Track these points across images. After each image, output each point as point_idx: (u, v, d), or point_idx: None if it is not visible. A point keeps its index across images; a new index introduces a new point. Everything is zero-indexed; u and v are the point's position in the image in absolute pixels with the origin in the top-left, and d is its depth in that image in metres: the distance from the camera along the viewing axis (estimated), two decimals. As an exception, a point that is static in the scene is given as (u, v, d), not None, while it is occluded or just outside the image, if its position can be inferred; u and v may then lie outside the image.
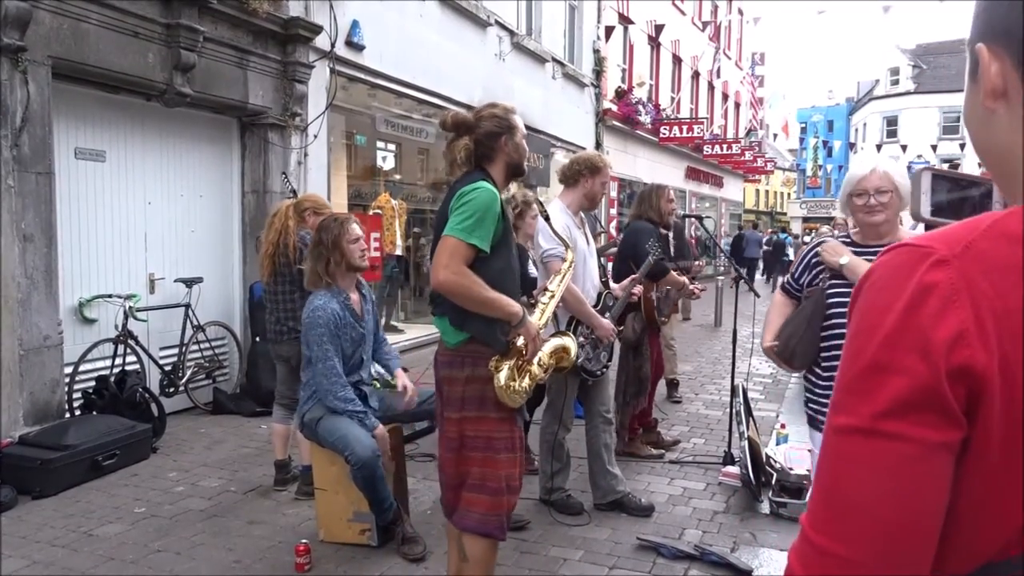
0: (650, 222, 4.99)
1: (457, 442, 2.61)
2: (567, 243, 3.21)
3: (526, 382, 2.63)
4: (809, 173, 49.23)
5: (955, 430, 0.64)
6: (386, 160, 10.66)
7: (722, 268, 20.60)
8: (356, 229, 3.70)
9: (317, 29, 6.88)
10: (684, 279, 5.05)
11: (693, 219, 6.12)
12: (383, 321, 9.05)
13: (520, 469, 2.67)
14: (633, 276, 4.41)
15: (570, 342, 2.95)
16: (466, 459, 2.61)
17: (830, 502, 0.68)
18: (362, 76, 8.00)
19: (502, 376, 2.55)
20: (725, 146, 22.59)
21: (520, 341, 2.60)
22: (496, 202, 2.52)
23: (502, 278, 2.56)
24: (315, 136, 7.16)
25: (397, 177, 10.88)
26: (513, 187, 11.81)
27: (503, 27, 10.97)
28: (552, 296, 2.93)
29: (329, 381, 3.50)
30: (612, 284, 4.37)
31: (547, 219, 3.26)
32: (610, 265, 5.50)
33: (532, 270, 4.30)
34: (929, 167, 0.89)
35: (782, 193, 50.79)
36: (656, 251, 4.45)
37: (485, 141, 2.65)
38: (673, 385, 6.89)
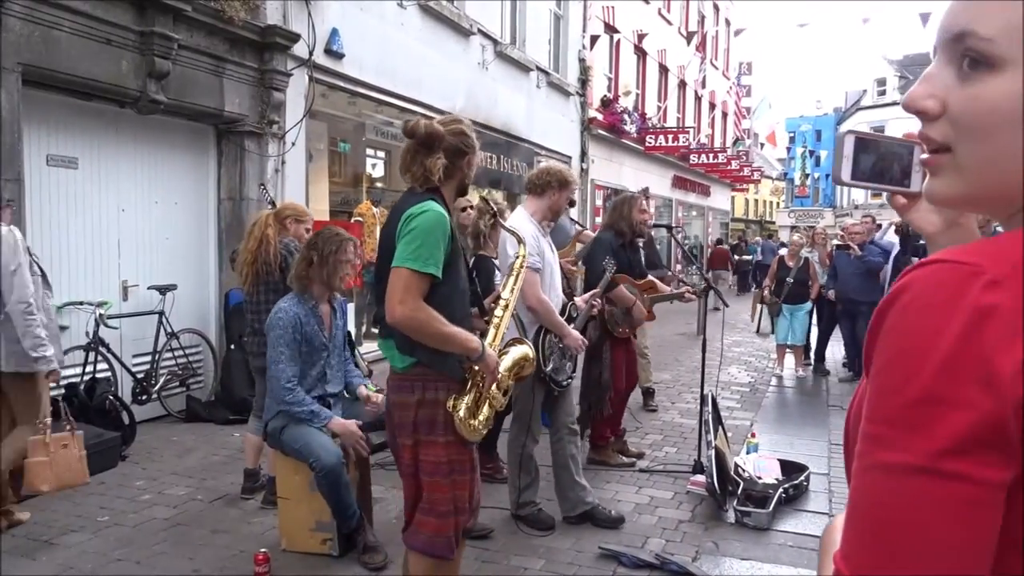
0: (620, 233, 5.02)
1: (412, 467, 2.56)
2: (519, 237, 3.10)
3: (485, 412, 2.59)
4: (797, 182, 49.51)
5: (1012, 468, 0.58)
6: (370, 167, 10.66)
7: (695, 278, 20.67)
8: (351, 252, 3.74)
9: (295, 37, 6.89)
10: (634, 298, 5.04)
11: (663, 228, 6.15)
12: (363, 328, 9.04)
13: (472, 488, 2.62)
14: (593, 291, 4.45)
15: (528, 349, 2.90)
16: (419, 483, 2.57)
17: (880, 546, 0.62)
18: (342, 84, 8.01)
19: (461, 412, 2.50)
20: (712, 155, 22.70)
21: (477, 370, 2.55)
22: (445, 223, 2.43)
23: (450, 302, 2.49)
24: (293, 144, 7.16)
25: (379, 185, 10.89)
26: (497, 194, 11.77)
27: (486, 36, 11.00)
28: (506, 305, 2.83)
29: (278, 384, 3.52)
30: (575, 297, 4.39)
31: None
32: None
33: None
34: (852, 130, 0.86)
35: (771, 202, 51.08)
36: (612, 267, 4.48)
37: (449, 159, 2.55)
38: (648, 394, 6.90)
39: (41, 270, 4.01)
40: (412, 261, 2.36)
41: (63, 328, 5.40)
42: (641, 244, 5.58)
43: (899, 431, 0.61)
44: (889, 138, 0.85)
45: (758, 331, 9.69)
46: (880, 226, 9.56)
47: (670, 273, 6.09)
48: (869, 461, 0.63)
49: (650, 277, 5.34)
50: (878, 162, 0.84)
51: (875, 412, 0.64)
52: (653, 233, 6.10)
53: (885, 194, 0.90)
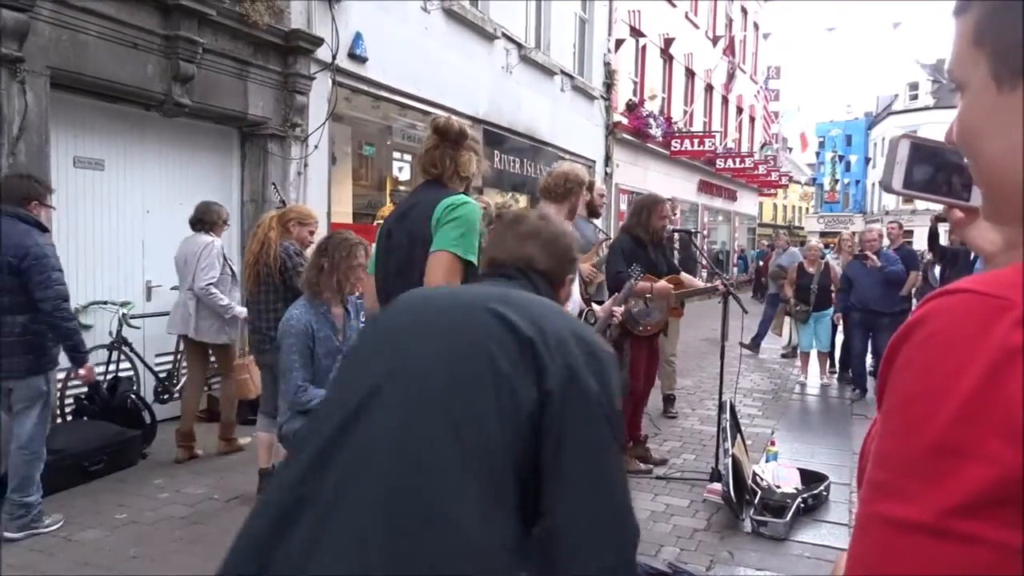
0: (637, 239, 4.95)
1: None
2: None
3: None
4: (827, 188, 48.93)
5: None
6: (396, 170, 10.71)
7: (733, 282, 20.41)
8: (362, 256, 3.75)
9: (318, 41, 6.95)
10: (648, 284, 4.97)
11: (684, 233, 6.11)
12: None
13: None
14: (615, 296, 4.42)
15: None
16: None
17: None
18: (365, 88, 8.07)
19: None
20: (739, 160, 22.49)
21: None
22: (480, 218, 2.51)
23: None
24: (315, 147, 7.21)
25: (403, 188, 10.93)
26: (522, 198, 11.73)
27: (510, 39, 11.01)
28: None
29: (292, 394, 3.53)
30: (594, 305, 4.35)
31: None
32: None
33: None
34: (908, 134, 0.78)
35: (800, 207, 50.50)
36: (637, 274, 4.45)
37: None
38: (669, 400, 6.85)
39: (232, 272, 5.35)
40: (456, 247, 2.38)
41: (87, 327, 5.51)
42: (677, 247, 5.53)
43: (908, 481, 0.55)
44: (947, 145, 0.76)
45: (789, 344, 9.45)
46: (909, 232, 9.24)
47: (717, 281, 5.92)
48: (873, 511, 0.58)
49: (682, 274, 5.30)
50: (934, 171, 0.76)
51: (883, 457, 0.58)
52: (674, 236, 6.03)
53: (942, 207, 0.81)
